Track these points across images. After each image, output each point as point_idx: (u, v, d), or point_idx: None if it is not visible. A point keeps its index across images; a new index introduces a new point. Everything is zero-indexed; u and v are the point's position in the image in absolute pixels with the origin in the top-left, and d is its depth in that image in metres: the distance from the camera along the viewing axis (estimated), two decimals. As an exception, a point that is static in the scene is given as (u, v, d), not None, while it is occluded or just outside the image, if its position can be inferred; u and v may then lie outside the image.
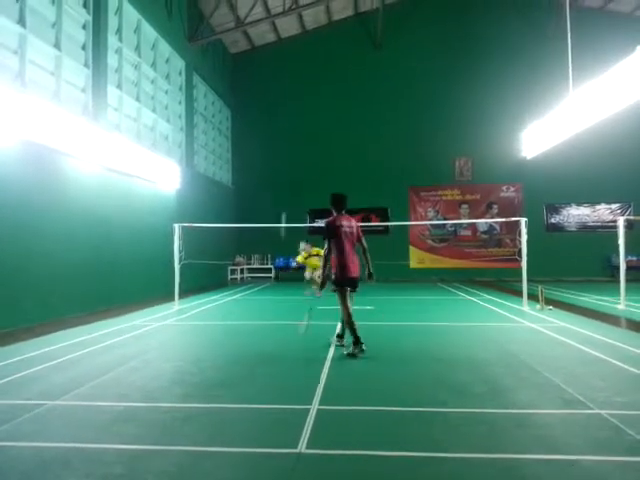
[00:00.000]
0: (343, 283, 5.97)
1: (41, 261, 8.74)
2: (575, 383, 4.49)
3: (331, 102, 21.56)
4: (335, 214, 6.13)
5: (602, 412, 3.71)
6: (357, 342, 5.81)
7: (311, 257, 12.55)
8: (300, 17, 20.51)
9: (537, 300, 10.16)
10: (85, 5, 10.81)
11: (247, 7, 17.07)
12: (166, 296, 11.65)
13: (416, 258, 21.47)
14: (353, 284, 6.08)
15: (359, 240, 6.18)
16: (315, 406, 3.91)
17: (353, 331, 5.85)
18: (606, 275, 19.56)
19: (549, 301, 10.42)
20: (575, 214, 21.06)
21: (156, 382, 4.70)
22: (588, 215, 21.01)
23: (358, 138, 21.31)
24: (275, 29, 20.93)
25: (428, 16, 21.42)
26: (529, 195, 20.92)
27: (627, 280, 10.29)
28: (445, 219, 21.07)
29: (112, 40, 11.80)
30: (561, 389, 4.32)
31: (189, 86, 16.79)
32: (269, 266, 21.24)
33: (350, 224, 6.08)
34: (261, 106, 21.90)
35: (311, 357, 5.78)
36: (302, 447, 3.11)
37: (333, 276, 6.00)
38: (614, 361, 5.34)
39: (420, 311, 10.53)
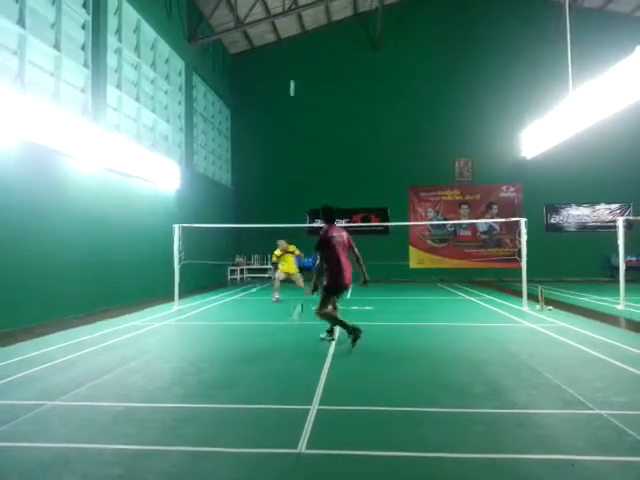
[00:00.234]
0: (336, 290, 6.34)
1: (41, 261, 8.73)
2: (575, 383, 4.49)
3: (331, 102, 21.57)
4: (327, 226, 6.49)
5: (602, 412, 3.71)
6: (332, 331, 6.69)
7: (287, 254, 12.05)
8: (300, 17, 20.52)
9: (537, 300, 10.16)
10: (84, 5, 10.81)
11: (247, 7, 17.08)
12: (166, 296, 11.65)
13: (416, 258, 21.47)
14: (343, 291, 6.49)
15: (351, 248, 6.55)
16: (315, 406, 3.91)
17: (331, 321, 6.45)
18: (606, 275, 19.57)
19: (549, 301, 10.42)
20: (575, 214, 21.07)
21: (156, 382, 4.70)
22: (588, 215, 21.02)
23: (358, 138, 21.32)
24: (275, 29, 20.94)
25: (428, 16, 21.43)
26: (529, 195, 20.93)
27: (626, 280, 10.29)
28: (445, 219, 21.08)
29: (112, 40, 11.80)
30: (561, 389, 4.32)
31: (189, 86, 16.79)
32: (269, 266, 21.23)
33: (341, 234, 6.45)
34: (261, 106, 21.91)
35: (311, 357, 5.77)
36: (302, 447, 3.10)
37: (325, 282, 6.28)
38: (614, 361, 5.34)
39: (420, 311, 10.53)
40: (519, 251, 10.55)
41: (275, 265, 12.42)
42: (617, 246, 10.23)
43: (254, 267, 21.45)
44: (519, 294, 10.99)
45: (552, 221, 21.15)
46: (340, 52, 21.64)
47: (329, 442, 3.20)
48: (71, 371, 5.13)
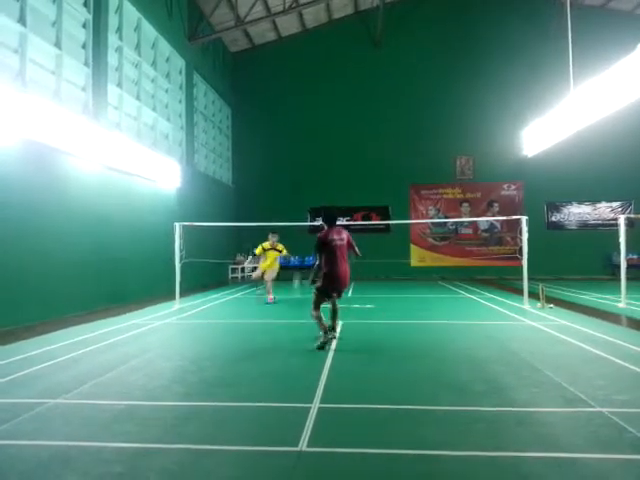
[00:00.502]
0: (330, 291, 6.38)
1: (42, 260, 8.74)
2: (576, 381, 4.48)
3: (331, 100, 21.55)
4: (326, 228, 6.49)
5: (603, 410, 3.70)
6: (327, 330, 6.35)
7: (274, 251, 11.58)
8: (300, 15, 20.48)
9: (538, 298, 10.15)
10: (85, 4, 10.80)
11: (247, 6, 17.05)
12: (167, 295, 11.66)
13: (417, 256, 21.47)
14: (339, 293, 6.55)
15: (351, 247, 6.56)
16: (316, 404, 3.91)
17: (322, 324, 6.27)
18: (607, 273, 19.55)
19: (550, 299, 10.40)
20: (576, 212, 21.06)
21: (157, 380, 4.70)
22: (589, 213, 21.00)
23: (358, 136, 21.30)
24: (275, 28, 20.90)
25: (428, 14, 21.39)
26: (530, 193, 20.91)
27: (628, 278, 10.28)
28: (446, 217, 21.07)
29: (112, 39, 11.79)
30: (562, 387, 4.32)
31: (189, 85, 16.78)
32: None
33: (341, 237, 6.43)
34: (261, 105, 21.89)
35: (311, 355, 5.78)
36: (303, 445, 3.10)
37: (320, 283, 6.31)
38: (615, 359, 5.34)
39: (421, 309, 10.53)
40: (520, 249, 10.54)
41: (254, 256, 11.97)
42: (618, 244, 10.22)
43: (255, 265, 21.37)
44: (520, 292, 10.98)
45: (553, 219, 21.14)
46: (341, 50, 21.61)
47: (330, 440, 3.20)
48: (72, 369, 5.14)
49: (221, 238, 18.52)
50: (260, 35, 21.20)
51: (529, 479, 2.68)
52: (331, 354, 5.81)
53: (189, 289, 13.59)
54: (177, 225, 10.74)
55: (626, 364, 5.12)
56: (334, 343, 6.40)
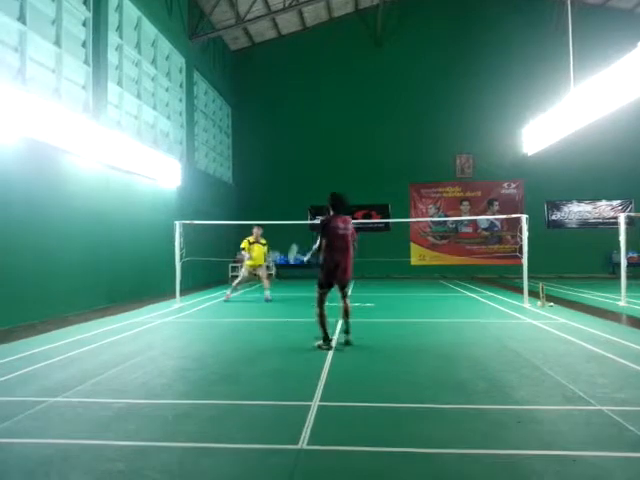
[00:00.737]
0: (328, 284, 6.04)
1: (42, 258, 8.74)
2: (576, 379, 4.49)
3: (332, 99, 21.53)
4: (332, 213, 6.08)
5: (603, 408, 3.71)
6: (326, 338, 6.02)
7: (258, 245, 11.61)
8: (300, 13, 20.46)
9: (538, 297, 10.15)
10: (85, 2, 10.78)
11: (247, 4, 17.03)
12: (167, 293, 11.66)
13: (417, 255, 21.47)
14: (340, 284, 6.16)
15: (354, 241, 6.20)
16: (316, 402, 3.91)
17: (322, 328, 6.01)
18: (607, 272, 19.56)
19: (550, 298, 10.41)
20: (576, 211, 21.05)
21: (157, 379, 4.70)
22: (589, 212, 20.99)
23: (359, 134, 21.28)
24: (275, 26, 20.88)
25: (429, 12, 21.36)
26: (530, 192, 20.90)
27: (628, 277, 10.30)
28: (446, 216, 21.07)
29: (112, 37, 11.77)
30: (562, 385, 4.32)
31: (189, 83, 16.76)
32: (270, 263, 21.21)
33: (346, 226, 6.06)
34: (261, 103, 21.88)
35: (312, 353, 5.78)
36: (303, 443, 3.11)
37: (320, 275, 6.03)
38: (615, 357, 5.35)
39: (421, 308, 10.54)
40: (520, 248, 10.54)
41: (242, 251, 11.97)
42: (618, 243, 10.22)
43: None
44: (520, 291, 10.99)
45: (553, 218, 21.13)
46: (341, 49, 21.58)
47: (330, 438, 3.20)
48: (73, 368, 5.14)
49: (221, 236, 18.50)
50: (260, 33, 21.18)
51: (529, 477, 2.68)
52: (331, 352, 5.81)
53: (190, 288, 13.60)
54: (177, 223, 10.74)
55: (626, 362, 5.13)
56: (333, 342, 6.37)
